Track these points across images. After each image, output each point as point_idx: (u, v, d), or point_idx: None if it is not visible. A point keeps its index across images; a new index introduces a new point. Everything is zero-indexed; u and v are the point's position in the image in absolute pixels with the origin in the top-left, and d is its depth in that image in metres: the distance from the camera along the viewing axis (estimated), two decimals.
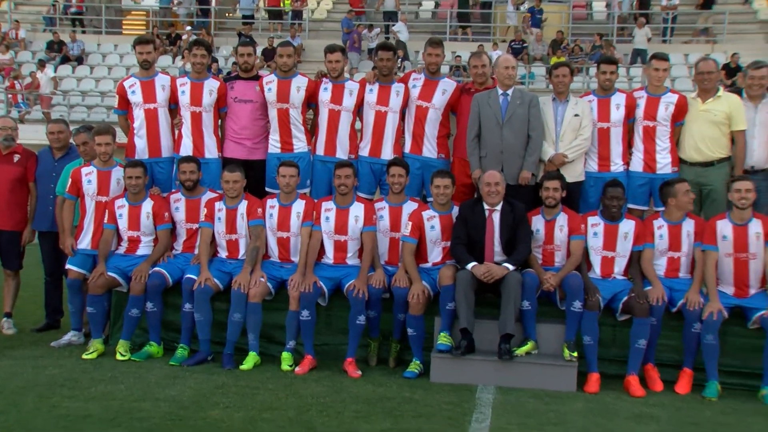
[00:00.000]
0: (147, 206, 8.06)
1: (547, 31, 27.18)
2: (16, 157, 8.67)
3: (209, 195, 8.14)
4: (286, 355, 7.70)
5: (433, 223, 7.78)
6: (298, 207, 7.96)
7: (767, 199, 8.14)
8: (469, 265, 7.40)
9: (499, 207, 7.60)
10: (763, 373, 7.27)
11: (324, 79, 8.64)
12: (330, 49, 8.62)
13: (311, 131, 8.67)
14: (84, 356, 7.77)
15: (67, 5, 29.79)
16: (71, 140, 8.85)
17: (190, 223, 8.11)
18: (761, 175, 8.10)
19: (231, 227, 7.96)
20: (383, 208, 8.01)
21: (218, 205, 7.97)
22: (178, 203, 8.19)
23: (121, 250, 8.17)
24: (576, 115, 8.12)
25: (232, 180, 7.87)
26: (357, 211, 7.88)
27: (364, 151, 8.58)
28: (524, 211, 7.68)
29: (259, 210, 7.94)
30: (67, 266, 8.21)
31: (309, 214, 7.92)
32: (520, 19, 27.79)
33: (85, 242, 8.20)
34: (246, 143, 8.57)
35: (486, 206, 7.61)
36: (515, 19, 28.08)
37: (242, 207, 7.93)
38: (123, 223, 8.08)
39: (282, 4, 29.45)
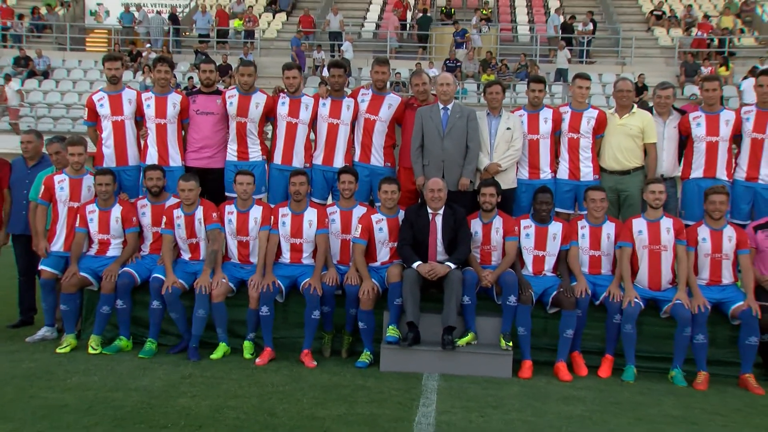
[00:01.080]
0: (116, 211, 7.93)
1: (477, 51, 27.40)
2: None
3: (172, 200, 8.02)
4: (247, 344, 7.69)
5: (381, 225, 7.78)
6: (256, 212, 7.88)
7: (674, 202, 8.38)
8: (415, 264, 7.41)
9: (441, 211, 7.61)
10: (673, 357, 7.41)
11: (281, 95, 8.57)
12: (287, 67, 8.57)
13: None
14: (58, 350, 7.62)
15: (34, 23, 29.14)
16: (43, 149, 8.65)
17: (156, 226, 7.98)
18: (669, 182, 8.28)
19: (191, 232, 7.86)
20: (335, 212, 7.97)
21: (177, 212, 7.85)
22: (145, 208, 8.06)
23: (92, 251, 8.01)
24: (508, 128, 8.18)
25: (187, 189, 7.74)
26: (311, 215, 7.83)
27: (318, 159, 8.52)
28: (464, 215, 7.70)
29: (214, 214, 7.84)
30: (41, 267, 8.02)
31: (267, 219, 7.85)
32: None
33: (58, 245, 8.02)
34: (206, 152, 8.47)
35: (430, 210, 7.62)
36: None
37: (199, 212, 7.83)
38: (94, 227, 7.93)
39: (234, 25, 29.21)
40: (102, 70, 8.76)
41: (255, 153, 8.47)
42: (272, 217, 7.85)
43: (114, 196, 7.99)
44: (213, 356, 7.56)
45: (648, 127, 8.23)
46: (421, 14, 29.24)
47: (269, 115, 8.49)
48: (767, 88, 8.17)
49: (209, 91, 8.57)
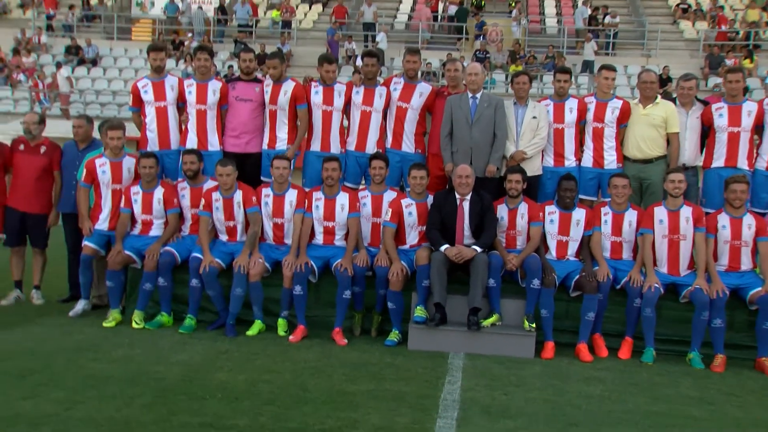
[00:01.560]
0: (158, 193, 8.01)
1: (506, 42, 27.18)
2: (43, 149, 8.59)
3: (210, 183, 8.08)
4: (281, 322, 7.74)
5: (410, 209, 7.77)
6: (291, 196, 7.91)
7: (695, 191, 8.29)
8: (442, 247, 7.40)
9: (468, 197, 7.59)
10: (691, 340, 7.35)
11: (314, 83, 8.59)
12: (328, 61, 8.55)
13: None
14: (104, 324, 7.75)
15: (84, 14, 29.44)
16: (94, 134, 8.80)
17: (194, 208, 8.05)
18: (691, 171, 8.21)
19: (229, 215, 7.90)
20: (366, 197, 7.97)
21: (215, 195, 7.90)
22: (184, 191, 8.14)
23: (136, 231, 8.10)
24: (534, 118, 8.13)
25: (225, 173, 7.79)
26: (343, 199, 7.84)
27: (351, 145, 8.53)
28: (491, 201, 7.67)
29: (254, 198, 7.89)
30: (84, 242, 8.15)
31: (301, 203, 7.87)
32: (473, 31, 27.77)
33: (103, 225, 8.15)
34: (244, 138, 8.50)
35: (457, 196, 7.60)
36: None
37: (238, 196, 7.86)
38: (137, 208, 8.02)
39: (272, 15, 29.22)
40: (146, 59, 8.85)
41: (282, 142, 8.47)
42: (306, 200, 7.88)
43: (157, 178, 8.07)
44: (249, 333, 7.63)
45: (671, 117, 8.13)
46: (457, 7, 29.02)
47: (298, 102, 8.44)
48: None
49: (248, 79, 8.60)
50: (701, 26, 27.72)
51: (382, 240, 7.77)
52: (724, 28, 27.11)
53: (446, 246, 7.40)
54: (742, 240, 7.50)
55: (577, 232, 7.73)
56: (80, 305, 8.24)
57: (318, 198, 7.88)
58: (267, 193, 7.96)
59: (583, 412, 5.71)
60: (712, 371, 7.11)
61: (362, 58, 8.76)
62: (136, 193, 8.03)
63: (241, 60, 8.79)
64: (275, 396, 5.75)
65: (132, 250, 7.93)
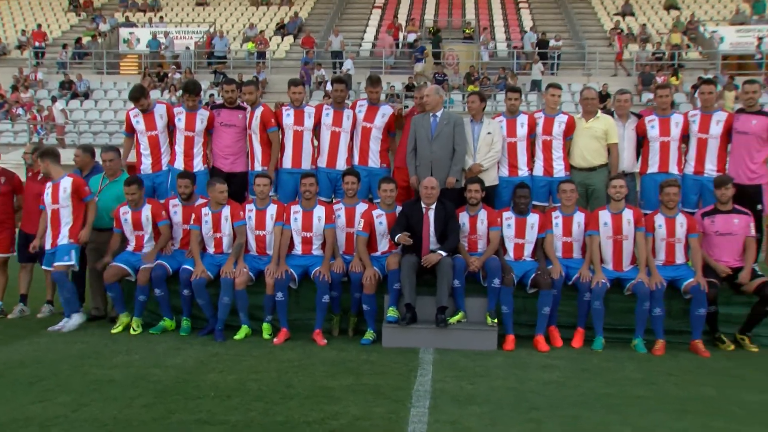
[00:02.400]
0: (146, 211, 7.99)
1: (462, 66, 27.38)
2: (40, 176, 8.49)
3: (200, 201, 8.07)
4: (266, 326, 7.72)
5: (381, 219, 7.79)
6: (272, 210, 7.91)
7: (634, 195, 8.40)
8: (397, 236, 7.47)
9: (433, 206, 7.62)
10: (635, 328, 7.43)
11: (285, 107, 8.62)
12: (294, 83, 8.63)
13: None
14: (113, 331, 7.81)
15: (76, 52, 29.34)
16: (96, 159, 8.87)
17: (186, 224, 8.03)
18: (629, 177, 8.32)
19: (217, 227, 7.88)
20: (340, 209, 7.97)
21: (204, 210, 7.89)
22: (176, 208, 8.11)
23: (130, 248, 8.07)
24: (488, 133, 8.18)
25: (219, 191, 7.82)
26: (319, 212, 7.84)
27: (322, 163, 8.53)
28: (453, 209, 7.71)
29: (241, 213, 7.89)
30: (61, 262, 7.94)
31: (280, 216, 7.87)
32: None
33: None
34: (230, 158, 8.56)
35: (423, 205, 7.63)
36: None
37: (226, 211, 7.86)
38: (128, 227, 8.01)
39: (248, 47, 29.17)
40: None
41: (258, 163, 8.54)
42: (285, 213, 7.88)
43: (143, 199, 8.03)
44: (236, 337, 7.59)
45: (610, 129, 8.24)
46: (416, 35, 29.16)
47: (267, 126, 8.47)
48: (708, 95, 8.28)
49: (232, 107, 8.65)
50: (634, 48, 28.19)
51: (356, 248, 7.78)
52: (652, 49, 27.64)
53: (399, 235, 7.43)
54: (676, 237, 7.62)
55: (531, 235, 7.78)
56: (76, 319, 8.00)
57: (296, 211, 7.87)
58: (250, 208, 7.95)
59: (542, 397, 5.76)
60: (654, 355, 7.20)
61: (332, 84, 8.81)
62: (126, 212, 8.01)
63: (224, 90, 8.83)
64: (263, 393, 5.74)
65: (127, 264, 7.89)
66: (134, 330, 7.75)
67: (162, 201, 8.26)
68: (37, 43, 30.33)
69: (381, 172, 8.43)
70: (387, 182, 7.85)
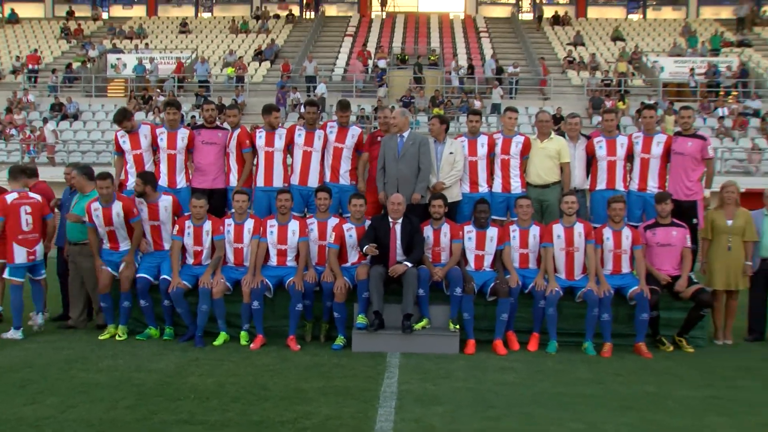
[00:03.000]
0: (116, 207, 7.80)
1: (427, 90, 27.59)
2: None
3: (165, 199, 7.96)
4: (243, 334, 7.68)
5: (351, 233, 7.82)
6: (249, 224, 7.89)
7: (585, 210, 8.47)
8: (365, 247, 7.49)
9: (400, 220, 7.67)
10: (585, 332, 7.54)
11: (258, 130, 8.61)
12: (275, 109, 8.64)
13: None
14: (100, 337, 7.76)
15: (66, 76, 29.26)
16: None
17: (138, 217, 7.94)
18: (580, 193, 8.41)
19: (198, 241, 7.85)
20: (313, 223, 7.97)
21: (187, 223, 7.86)
22: (142, 205, 7.96)
23: (106, 246, 7.97)
24: (450, 153, 8.23)
25: (199, 206, 7.79)
26: (294, 226, 7.84)
27: (295, 180, 8.51)
28: (418, 223, 7.76)
29: (221, 227, 7.87)
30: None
31: (257, 230, 7.87)
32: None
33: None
34: (210, 175, 8.53)
35: (391, 220, 7.68)
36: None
37: (207, 225, 7.83)
38: (99, 221, 7.81)
39: (228, 72, 29.12)
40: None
41: (234, 180, 8.54)
42: (261, 227, 7.88)
43: (113, 196, 7.85)
44: (215, 343, 7.56)
45: (563, 149, 8.36)
46: (385, 60, 29.36)
47: (242, 147, 8.48)
48: (649, 119, 8.47)
49: (211, 126, 8.64)
50: (584, 75, 28.68)
51: (328, 259, 7.79)
52: (601, 76, 28.21)
53: (367, 246, 7.46)
54: (622, 249, 7.74)
55: (491, 247, 7.83)
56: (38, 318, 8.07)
57: (272, 225, 7.86)
58: (229, 223, 7.93)
59: (500, 396, 5.83)
60: (602, 356, 7.32)
61: (305, 107, 8.84)
62: (96, 209, 7.83)
63: (204, 110, 8.84)
64: (240, 395, 5.73)
65: (111, 266, 7.87)
66: (119, 336, 7.71)
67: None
68: (30, 66, 30.29)
69: (351, 188, 8.45)
70: (357, 198, 7.89)
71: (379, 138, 8.45)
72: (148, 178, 7.98)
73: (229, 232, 7.89)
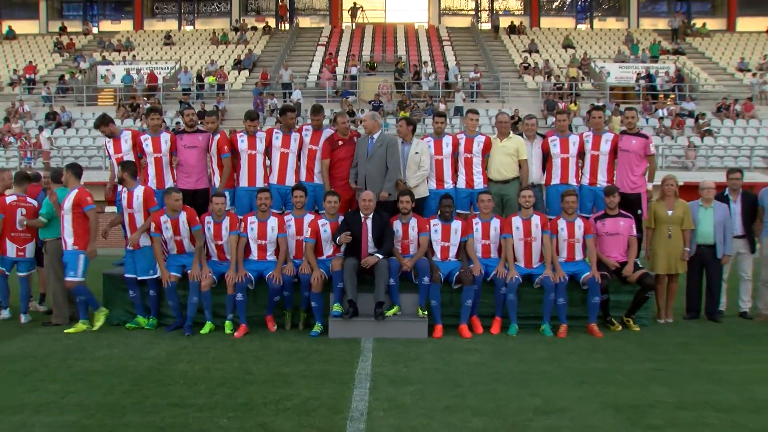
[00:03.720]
0: (183, 217, 7.73)
1: (395, 94, 27.57)
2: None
3: (139, 188, 7.79)
4: (227, 323, 7.63)
5: (325, 228, 7.77)
6: (226, 222, 7.77)
7: (541, 203, 8.50)
8: (338, 237, 7.50)
9: (371, 215, 7.66)
10: (543, 315, 7.60)
11: (239, 134, 8.51)
12: (255, 116, 8.52)
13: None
14: (66, 331, 7.63)
15: (60, 87, 29.05)
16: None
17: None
18: (537, 188, 8.45)
19: (176, 231, 7.72)
20: (290, 220, 7.91)
21: (163, 217, 7.69)
22: (123, 193, 7.88)
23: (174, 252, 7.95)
24: (416, 153, 8.21)
25: (174, 199, 7.64)
26: (272, 222, 7.79)
27: (273, 180, 8.44)
28: (388, 218, 7.75)
29: (197, 218, 7.74)
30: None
31: (234, 226, 7.75)
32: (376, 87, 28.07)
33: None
34: (193, 177, 8.40)
35: (362, 215, 7.67)
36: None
37: (183, 216, 7.68)
38: (169, 233, 7.81)
39: (209, 80, 28.79)
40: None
41: (216, 182, 8.42)
42: (242, 223, 7.78)
43: (180, 206, 7.72)
44: (202, 332, 7.50)
45: (521, 148, 8.38)
46: (356, 68, 29.26)
47: (221, 153, 8.33)
48: (598, 119, 8.56)
49: (192, 130, 8.51)
50: (539, 80, 28.93)
51: (305, 253, 7.76)
52: (554, 81, 28.51)
53: (341, 236, 7.46)
54: (575, 238, 7.81)
55: (455, 239, 7.84)
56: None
57: (252, 222, 7.80)
58: (209, 221, 7.82)
59: (466, 376, 5.85)
60: (558, 337, 7.38)
61: (283, 112, 8.65)
62: (165, 221, 7.69)
63: (185, 115, 8.71)
64: (226, 379, 5.69)
65: (173, 269, 7.82)
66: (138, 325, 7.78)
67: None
68: (28, 75, 30.30)
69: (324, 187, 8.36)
70: (331, 195, 7.85)
71: (340, 142, 8.34)
72: (127, 166, 7.84)
73: (209, 229, 7.78)
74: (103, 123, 8.39)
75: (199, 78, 28.86)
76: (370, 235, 7.62)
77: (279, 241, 7.76)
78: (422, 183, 8.30)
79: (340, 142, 8.34)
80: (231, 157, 8.40)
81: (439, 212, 7.95)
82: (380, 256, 7.47)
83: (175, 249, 7.82)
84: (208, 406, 5.03)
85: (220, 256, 7.86)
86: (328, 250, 7.84)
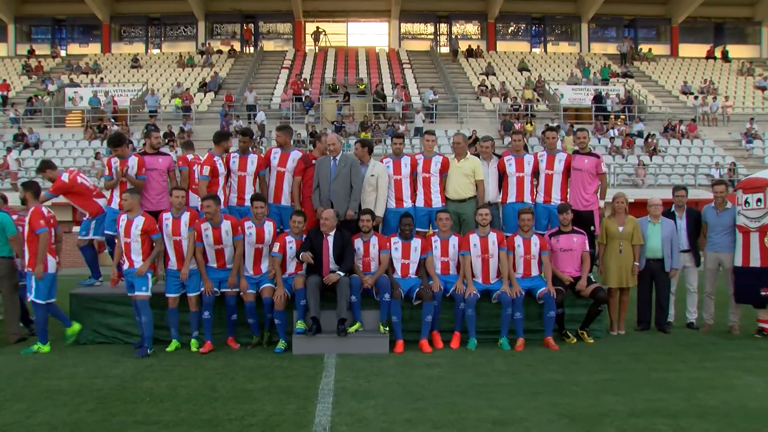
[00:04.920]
0: (225, 226, 7.67)
1: (358, 116, 27.73)
2: None
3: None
4: (193, 341, 7.55)
5: (291, 245, 7.71)
6: (185, 218, 7.59)
7: (498, 221, 8.59)
8: (300, 255, 7.48)
9: (332, 233, 7.67)
10: (501, 329, 7.66)
11: (233, 154, 8.47)
12: (247, 132, 8.62)
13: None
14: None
15: (28, 108, 28.57)
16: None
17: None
18: (494, 206, 8.54)
19: (126, 233, 7.46)
20: (251, 227, 7.74)
21: (122, 218, 7.53)
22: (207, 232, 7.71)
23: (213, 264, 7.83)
24: (372, 175, 8.22)
25: (130, 200, 7.50)
26: (226, 226, 7.63)
27: (233, 202, 8.38)
28: (350, 236, 7.76)
29: (157, 225, 7.56)
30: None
31: (193, 222, 7.60)
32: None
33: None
34: (155, 198, 8.39)
35: (324, 232, 7.68)
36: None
37: (138, 221, 7.45)
38: (209, 241, 7.68)
39: (175, 102, 28.54)
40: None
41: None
42: (196, 230, 7.57)
43: (221, 215, 7.69)
44: (168, 349, 7.41)
45: (477, 168, 8.49)
46: (332, 90, 29.40)
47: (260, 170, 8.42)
48: (551, 139, 8.75)
49: (153, 152, 8.54)
50: (496, 101, 29.43)
51: (270, 266, 7.69)
52: (510, 102, 29.05)
53: (303, 254, 7.44)
54: (531, 254, 7.91)
55: (415, 256, 7.87)
56: None
57: (206, 228, 7.61)
58: (167, 217, 7.61)
59: (426, 389, 5.88)
60: (516, 350, 7.46)
61: (240, 135, 8.59)
62: (206, 228, 7.58)
63: (153, 138, 8.64)
64: (191, 396, 5.63)
65: (216, 283, 7.75)
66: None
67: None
68: (2, 92, 29.97)
69: (290, 208, 8.31)
70: (297, 214, 7.84)
71: (314, 161, 8.41)
72: (29, 186, 8.01)
73: (167, 225, 7.55)
74: (123, 143, 8.31)
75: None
76: (330, 252, 7.61)
77: (235, 244, 7.64)
78: (380, 205, 8.23)
79: (314, 161, 8.37)
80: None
81: (399, 230, 7.98)
82: (341, 273, 7.46)
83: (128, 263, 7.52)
84: (173, 423, 4.96)
85: (178, 258, 7.57)
86: (291, 267, 7.80)
